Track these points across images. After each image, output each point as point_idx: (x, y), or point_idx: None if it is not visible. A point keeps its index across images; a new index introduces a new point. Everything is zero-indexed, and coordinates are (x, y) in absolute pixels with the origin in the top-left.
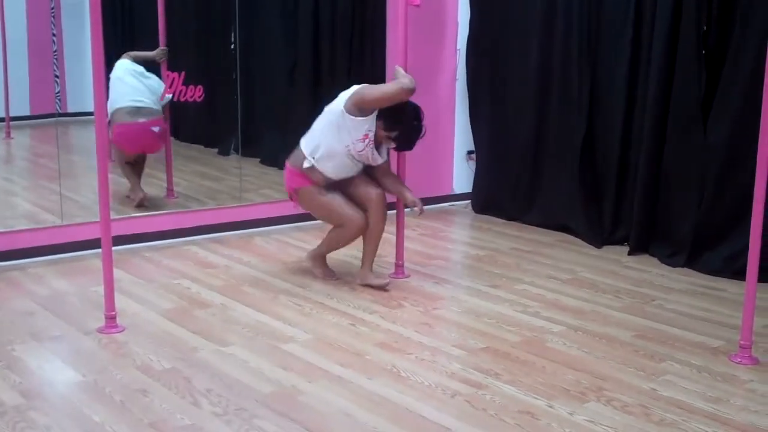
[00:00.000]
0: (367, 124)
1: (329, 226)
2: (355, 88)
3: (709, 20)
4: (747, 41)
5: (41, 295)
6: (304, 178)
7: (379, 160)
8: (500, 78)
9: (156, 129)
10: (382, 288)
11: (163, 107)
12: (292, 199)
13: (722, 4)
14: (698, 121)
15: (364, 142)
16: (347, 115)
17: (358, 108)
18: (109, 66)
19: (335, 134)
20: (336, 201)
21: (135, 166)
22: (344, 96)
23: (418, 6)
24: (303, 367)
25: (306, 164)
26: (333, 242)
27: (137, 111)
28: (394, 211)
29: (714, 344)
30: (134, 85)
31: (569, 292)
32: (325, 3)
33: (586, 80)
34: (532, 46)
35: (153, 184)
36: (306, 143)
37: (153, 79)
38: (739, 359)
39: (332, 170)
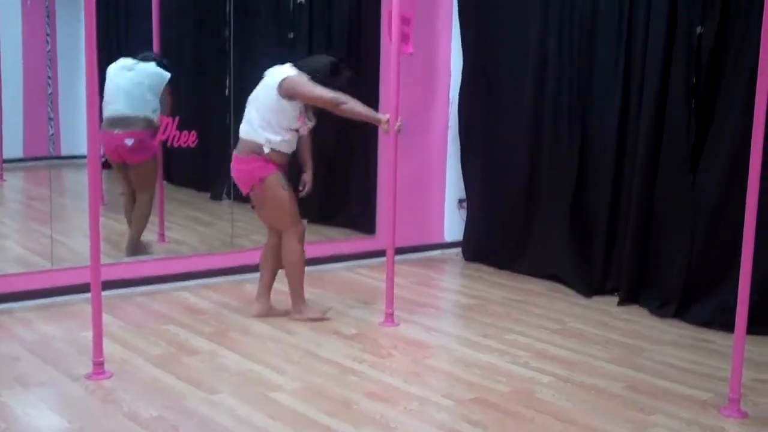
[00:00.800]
0: (300, 105)
1: None
2: (285, 73)
3: (698, 72)
4: (735, 93)
5: (29, 340)
6: (267, 164)
7: (310, 124)
8: (492, 126)
9: (129, 142)
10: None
11: (153, 117)
12: (253, 191)
13: (711, 57)
14: (688, 172)
15: (300, 120)
16: (282, 99)
17: (289, 95)
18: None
19: (277, 115)
20: (292, 199)
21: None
22: (275, 78)
23: (411, 54)
24: (291, 417)
25: (266, 149)
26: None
27: (112, 122)
28: (384, 259)
29: (703, 397)
30: (114, 90)
31: (559, 343)
32: (319, 46)
33: (577, 129)
34: (524, 96)
35: (146, 229)
36: (257, 129)
37: (140, 70)
38: (728, 412)
39: (287, 146)
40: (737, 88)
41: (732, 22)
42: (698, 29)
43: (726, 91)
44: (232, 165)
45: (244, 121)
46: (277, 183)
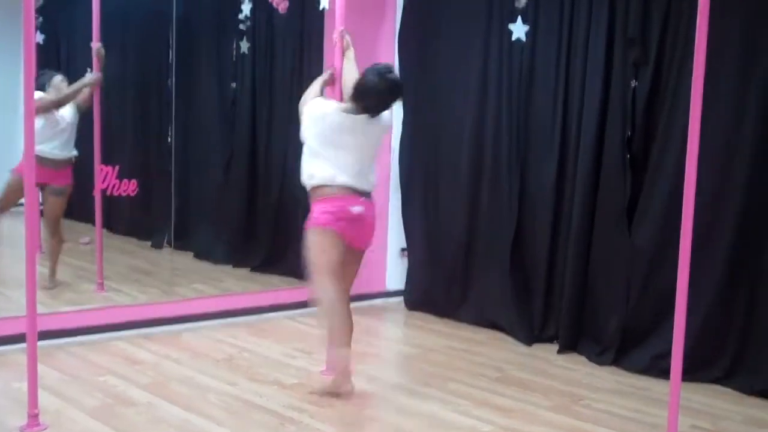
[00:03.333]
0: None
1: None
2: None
3: (633, 125)
4: (669, 147)
5: None
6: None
7: None
8: (432, 177)
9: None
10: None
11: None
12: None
13: (646, 110)
14: (624, 223)
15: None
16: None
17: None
18: None
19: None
20: None
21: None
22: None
23: None
24: None
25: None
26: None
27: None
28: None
29: None
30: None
31: (499, 391)
32: (262, 96)
33: (516, 180)
34: (463, 147)
35: (83, 276)
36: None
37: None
38: None
39: None
40: (671, 141)
41: (665, 75)
42: (633, 83)
43: (660, 144)
44: (368, 213)
45: (359, 172)
46: None
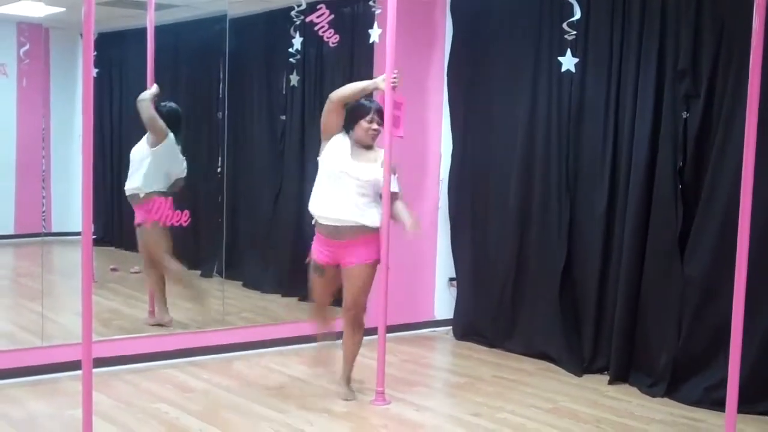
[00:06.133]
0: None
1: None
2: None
3: (684, 156)
4: (721, 176)
5: (16, 418)
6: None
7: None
8: (481, 207)
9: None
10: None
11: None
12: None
13: (698, 140)
14: (676, 254)
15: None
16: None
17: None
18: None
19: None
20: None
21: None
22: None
23: (401, 138)
24: None
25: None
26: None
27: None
28: (375, 337)
29: None
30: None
31: (551, 422)
32: (311, 128)
33: (566, 210)
34: (513, 178)
35: (135, 306)
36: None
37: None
38: None
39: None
40: (723, 172)
41: (717, 106)
42: (684, 114)
43: (712, 175)
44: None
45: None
46: None
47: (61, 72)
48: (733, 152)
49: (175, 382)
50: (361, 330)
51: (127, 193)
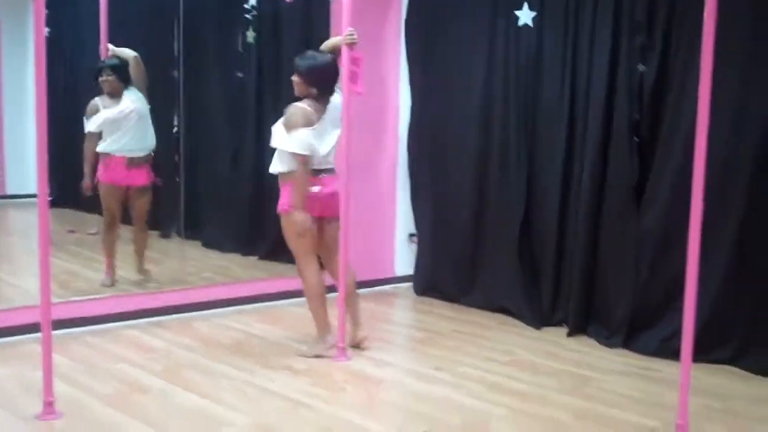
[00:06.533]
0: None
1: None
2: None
3: (641, 109)
4: (676, 130)
5: None
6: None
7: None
8: (440, 163)
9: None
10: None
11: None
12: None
13: (653, 94)
14: (632, 207)
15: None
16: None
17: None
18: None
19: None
20: None
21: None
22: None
23: (360, 94)
24: None
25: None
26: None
27: None
28: (335, 295)
29: (651, 424)
30: None
31: (510, 374)
32: (270, 85)
33: (524, 165)
34: (471, 134)
35: (94, 268)
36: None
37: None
38: None
39: None
40: (679, 125)
41: (672, 61)
42: (640, 67)
43: (668, 128)
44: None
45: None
46: None
47: (12, 30)
48: (688, 105)
49: (136, 343)
50: (303, 281)
51: None
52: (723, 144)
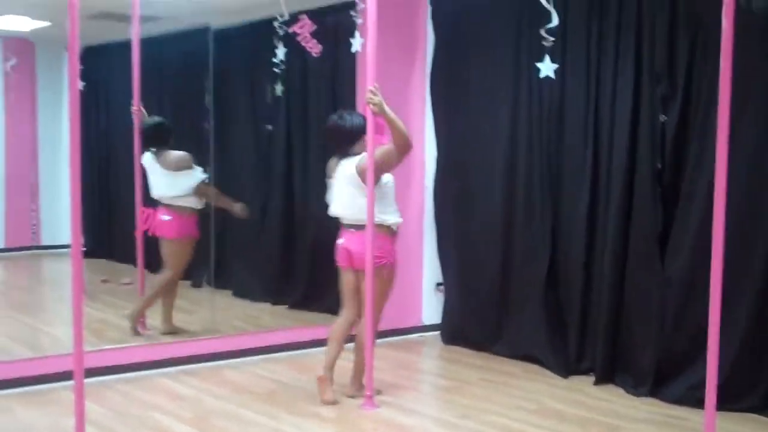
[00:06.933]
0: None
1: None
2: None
3: (663, 158)
4: (699, 178)
5: (11, 429)
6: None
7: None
8: (466, 213)
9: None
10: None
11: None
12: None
13: (675, 143)
14: (656, 255)
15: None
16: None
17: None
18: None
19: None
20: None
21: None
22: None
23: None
24: None
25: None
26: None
27: None
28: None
29: None
30: None
31: (536, 423)
32: (298, 141)
33: (548, 214)
34: (496, 183)
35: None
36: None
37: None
38: None
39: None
40: (701, 173)
41: (693, 108)
42: (662, 117)
43: (690, 177)
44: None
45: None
46: None
47: (47, 86)
48: (709, 154)
49: (167, 391)
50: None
51: None
52: (744, 192)
